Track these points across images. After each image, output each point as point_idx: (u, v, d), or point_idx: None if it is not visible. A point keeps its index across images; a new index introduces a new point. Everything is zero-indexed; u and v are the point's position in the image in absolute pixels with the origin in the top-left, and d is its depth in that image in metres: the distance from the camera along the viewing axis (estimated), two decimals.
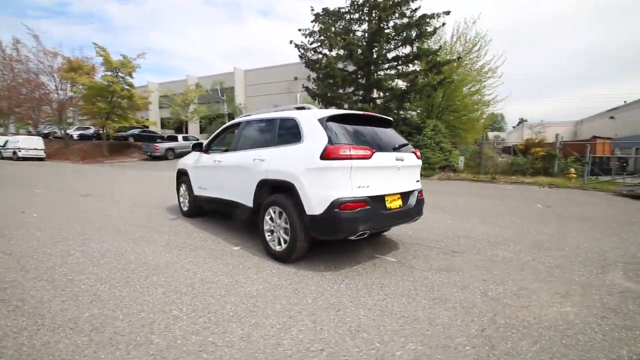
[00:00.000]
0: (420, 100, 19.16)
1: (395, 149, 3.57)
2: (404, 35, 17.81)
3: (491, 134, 43.85)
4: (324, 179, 3.10)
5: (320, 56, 19.66)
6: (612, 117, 29.87)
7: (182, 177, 5.64)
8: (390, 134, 3.74)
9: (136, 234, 4.45)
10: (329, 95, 18.60)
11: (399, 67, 18.89)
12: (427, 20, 17.27)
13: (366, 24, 19.28)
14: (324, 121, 3.33)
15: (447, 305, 2.65)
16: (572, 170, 12.83)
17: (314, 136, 3.27)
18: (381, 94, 19.63)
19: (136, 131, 29.81)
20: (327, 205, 3.05)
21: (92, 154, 24.67)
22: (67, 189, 9.23)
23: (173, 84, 35.31)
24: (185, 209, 5.60)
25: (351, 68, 18.95)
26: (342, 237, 3.14)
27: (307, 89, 19.78)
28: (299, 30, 18.82)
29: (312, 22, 19.02)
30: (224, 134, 5.05)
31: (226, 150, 4.58)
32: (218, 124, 36.20)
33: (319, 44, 19.28)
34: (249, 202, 3.90)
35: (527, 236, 4.87)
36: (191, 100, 29.23)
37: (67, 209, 6.18)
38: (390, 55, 18.42)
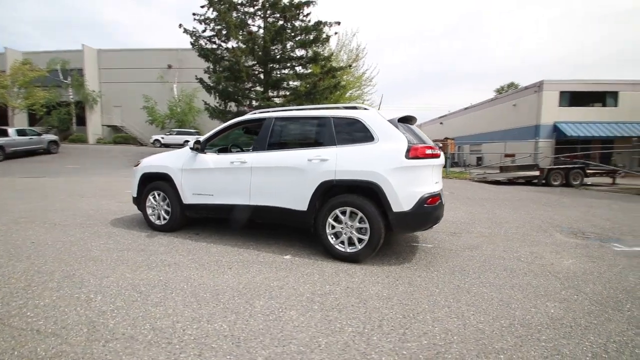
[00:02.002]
0: (317, 102, 20.35)
1: None
2: (302, 37, 18.53)
3: None
4: (412, 177, 3.29)
5: (215, 46, 18.33)
6: (441, 123, 39.11)
7: (154, 183, 4.55)
8: (421, 132, 4.15)
9: (153, 262, 3.42)
10: (229, 90, 17.57)
11: (296, 68, 19.57)
12: (322, 27, 18.49)
13: (261, 20, 19.05)
14: (395, 122, 3.49)
15: (495, 271, 3.32)
16: None
17: (391, 137, 3.39)
18: (280, 93, 19.91)
19: None
20: (416, 201, 3.27)
21: None
22: None
23: None
24: (159, 222, 4.54)
25: (249, 63, 18.44)
26: (424, 229, 3.44)
27: (201, 81, 18.10)
28: (193, 15, 16.98)
29: (202, 6, 17.43)
30: (228, 132, 4.38)
31: (246, 150, 4.03)
32: (60, 114, 28.50)
33: (214, 33, 17.88)
34: (300, 205, 3.62)
35: (477, 216, 6.24)
36: (24, 82, 21.98)
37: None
38: (289, 56, 18.83)
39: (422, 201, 3.28)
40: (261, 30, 18.25)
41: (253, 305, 2.50)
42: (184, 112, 28.82)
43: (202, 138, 4.30)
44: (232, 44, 18.05)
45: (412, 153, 3.28)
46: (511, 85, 55.76)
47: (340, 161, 3.46)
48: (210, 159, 4.21)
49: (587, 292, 2.90)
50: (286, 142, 3.90)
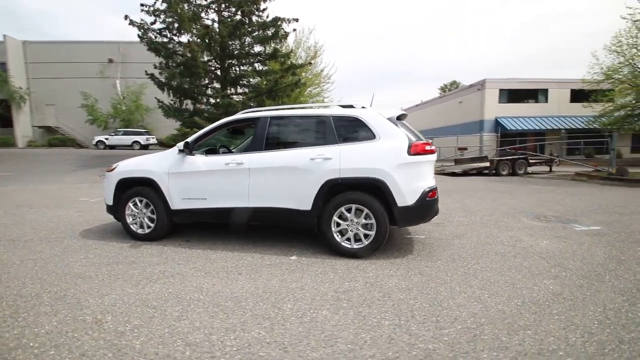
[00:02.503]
0: (279, 100, 20.12)
1: None
2: (260, 33, 18.14)
3: None
4: (414, 172, 3.44)
5: (166, 40, 17.24)
6: None
7: (135, 189, 4.19)
8: (413, 129, 4.32)
9: (152, 274, 3.14)
10: (184, 86, 16.63)
11: (255, 65, 19.13)
12: (280, 23, 18.26)
13: (215, 14, 18.31)
14: (394, 120, 3.60)
15: (488, 256, 3.63)
16: None
17: (392, 134, 3.50)
18: (239, 90, 19.38)
19: None
20: (419, 195, 3.42)
21: None
22: None
23: None
24: (142, 231, 4.19)
25: (204, 58, 17.62)
26: (425, 221, 3.61)
27: (151, 76, 16.90)
28: (142, 5, 15.76)
29: None
30: (216, 133, 4.17)
31: (236, 152, 3.88)
32: None
33: (164, 25, 16.78)
34: (303, 205, 3.59)
35: (450, 206, 6.68)
36: None
37: None
38: (248, 52, 18.33)
39: (424, 195, 3.45)
40: (217, 25, 17.55)
41: (282, 309, 2.45)
42: (130, 110, 26.73)
43: (190, 139, 4.05)
44: (185, 38, 17.14)
45: (413, 149, 3.42)
46: (453, 83, 60.07)
47: (344, 159, 3.49)
48: (201, 161, 3.99)
49: (571, 268, 3.28)
50: (284, 142, 3.84)
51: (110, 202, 4.33)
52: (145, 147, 24.40)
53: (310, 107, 3.92)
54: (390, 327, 2.20)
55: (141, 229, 4.22)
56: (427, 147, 3.53)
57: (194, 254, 3.71)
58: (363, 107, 3.81)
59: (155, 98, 17.49)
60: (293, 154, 3.67)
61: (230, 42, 17.28)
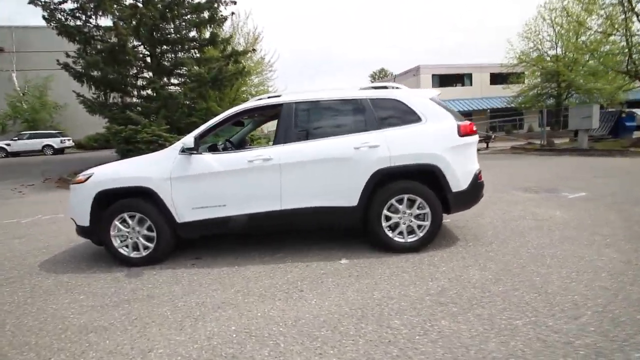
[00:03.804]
0: (225, 90, 18.63)
1: None
2: (195, 17, 16.42)
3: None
4: (466, 155, 3.25)
5: (81, 23, 14.58)
6: None
7: (123, 202, 3.27)
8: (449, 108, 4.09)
9: (191, 310, 2.40)
10: (109, 77, 14.30)
11: (193, 52, 17.34)
12: (216, 5, 16.73)
13: None
14: (436, 100, 3.34)
15: (524, 233, 3.70)
16: None
17: (438, 115, 3.24)
18: (174, 80, 17.48)
19: None
20: (472, 177, 3.25)
21: None
22: None
23: None
24: (137, 254, 3.31)
25: (132, 44, 15.36)
26: (475, 205, 3.45)
27: (65, 66, 14.19)
28: None
29: None
30: (225, 125, 3.44)
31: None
32: None
33: (77, 5, 14.13)
34: (348, 201, 3.16)
35: None
36: None
37: None
38: (184, 37, 16.45)
39: (475, 177, 3.29)
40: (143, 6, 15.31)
41: (392, 326, 2.05)
42: (34, 108, 22.44)
43: (195, 134, 3.28)
44: (105, 20, 14.69)
45: (463, 130, 3.22)
46: (382, 71, 62.85)
47: (394, 146, 3.13)
48: (215, 160, 3.26)
49: (605, 234, 3.45)
50: (318, 131, 3.31)
51: (86, 223, 3.34)
52: (59, 151, 20.76)
53: (339, 90, 3.44)
54: (528, 326, 1.96)
55: (136, 252, 3.35)
56: (474, 127, 3.36)
57: (220, 274, 3.04)
58: (397, 88, 3.48)
59: (74, 92, 14.76)
60: (332, 144, 3.19)
61: (161, 26, 15.32)
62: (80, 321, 2.35)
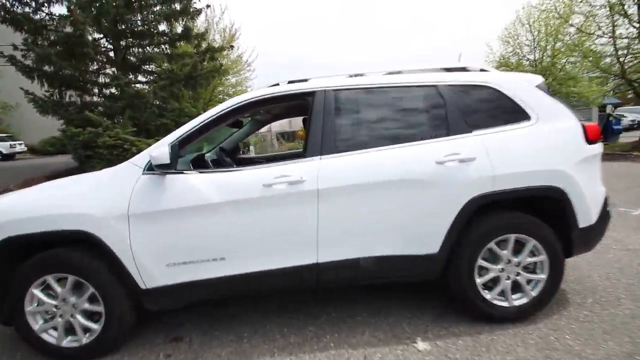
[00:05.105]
0: (200, 88, 16.99)
1: None
2: (166, 8, 14.75)
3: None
4: (594, 171, 2.16)
5: (30, 10, 12.58)
6: None
7: (41, 257, 1.93)
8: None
9: None
10: (66, 72, 12.35)
11: (163, 47, 15.61)
12: None
13: None
14: (545, 89, 2.23)
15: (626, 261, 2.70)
16: None
17: (553, 111, 2.14)
18: (140, 77, 15.67)
19: None
20: (601, 204, 2.18)
21: None
22: None
23: None
24: (75, 339, 1.97)
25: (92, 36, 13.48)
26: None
27: (12, 60, 12.13)
28: None
29: None
30: (217, 126, 2.17)
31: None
32: None
33: None
34: (424, 246, 1.99)
35: None
36: None
37: None
38: (152, 30, 14.72)
39: (604, 205, 2.21)
40: None
41: None
42: None
43: (170, 141, 1.98)
44: (59, 8, 12.78)
45: (590, 135, 2.13)
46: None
47: (497, 159, 1.99)
48: (206, 182, 1.96)
49: None
50: (373, 135, 2.10)
51: None
52: (9, 157, 18.22)
53: (402, 74, 2.26)
54: None
55: (71, 337, 2.00)
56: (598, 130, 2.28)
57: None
58: (483, 70, 2.34)
59: (22, 89, 12.65)
60: (398, 157, 2.00)
61: (127, 16, 13.54)
62: None
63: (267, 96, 2.16)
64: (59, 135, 14.91)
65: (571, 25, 17.21)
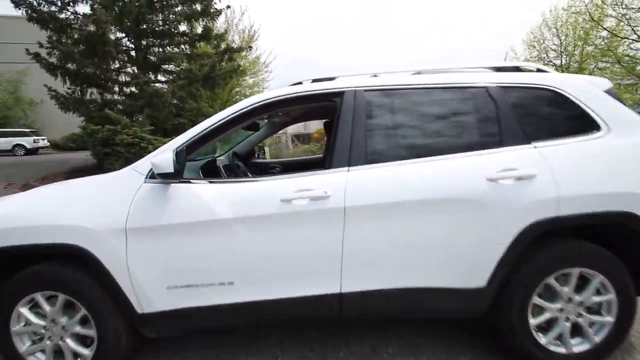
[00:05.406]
0: (218, 88, 17.02)
1: None
2: (187, 8, 14.82)
3: None
4: None
5: (56, 9, 12.84)
6: None
7: (31, 272, 1.72)
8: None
9: None
10: (88, 70, 12.54)
11: (183, 47, 15.69)
12: None
13: None
14: (614, 94, 1.88)
15: None
16: None
17: (626, 120, 1.79)
18: (160, 77, 15.78)
19: None
20: None
21: None
22: None
23: None
24: None
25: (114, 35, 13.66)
26: None
27: (36, 57, 12.40)
28: None
29: None
30: (232, 129, 1.91)
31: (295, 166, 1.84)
32: None
33: None
34: (469, 279, 1.68)
35: None
36: None
37: None
38: (174, 30, 14.83)
39: None
40: None
41: None
42: (6, 104, 20.37)
43: (176, 146, 1.73)
44: (83, 7, 13.01)
45: None
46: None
47: (563, 177, 1.65)
48: (216, 195, 1.71)
49: None
50: (412, 144, 1.80)
51: None
52: (32, 152, 18.72)
53: (445, 73, 1.95)
54: None
55: None
56: None
57: None
58: (540, 70, 2.00)
59: (45, 85, 12.90)
60: (440, 171, 1.69)
61: (149, 16, 13.67)
62: None
63: (288, 96, 1.89)
64: (80, 132, 15.22)
65: (604, 28, 16.39)
